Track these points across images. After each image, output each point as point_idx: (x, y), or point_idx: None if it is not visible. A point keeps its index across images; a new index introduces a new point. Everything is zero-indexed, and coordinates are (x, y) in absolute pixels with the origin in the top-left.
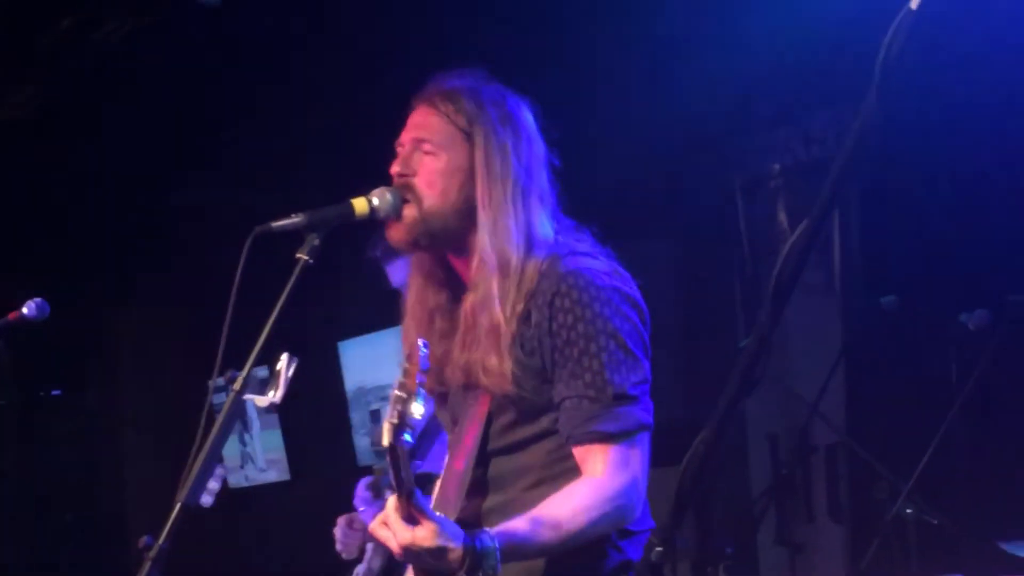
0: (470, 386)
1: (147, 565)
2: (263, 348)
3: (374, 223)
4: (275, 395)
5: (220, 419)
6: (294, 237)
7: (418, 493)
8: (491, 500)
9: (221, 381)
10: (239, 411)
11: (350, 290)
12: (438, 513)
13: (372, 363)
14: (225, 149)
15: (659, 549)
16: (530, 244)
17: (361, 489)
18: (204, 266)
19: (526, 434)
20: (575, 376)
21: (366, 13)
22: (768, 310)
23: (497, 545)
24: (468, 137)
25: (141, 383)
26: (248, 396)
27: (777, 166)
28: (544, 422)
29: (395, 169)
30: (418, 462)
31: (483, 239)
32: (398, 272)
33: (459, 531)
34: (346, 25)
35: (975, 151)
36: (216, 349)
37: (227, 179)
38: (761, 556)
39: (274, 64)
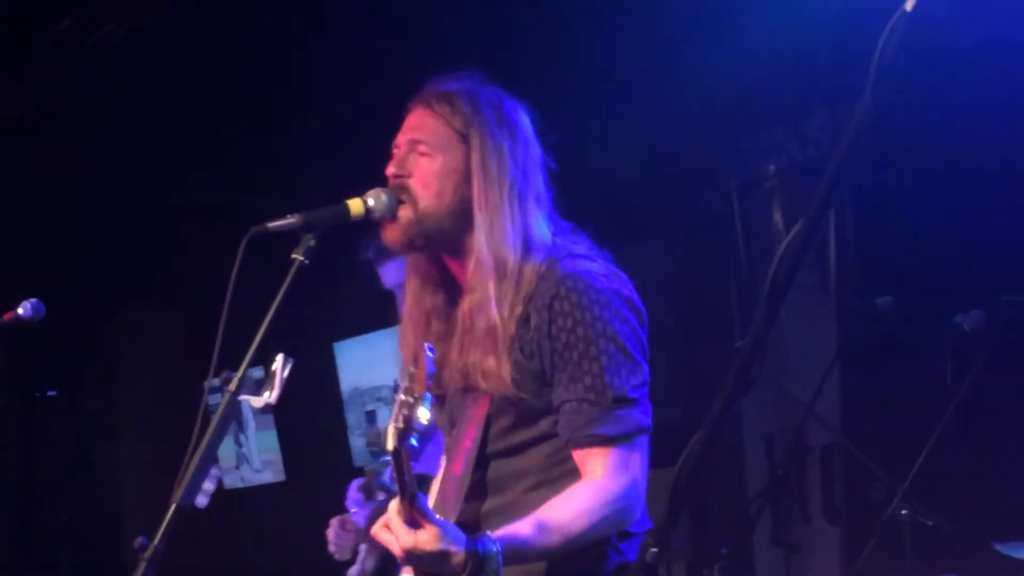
0: (468, 388)
1: (142, 566)
2: (259, 349)
3: (370, 224)
4: (271, 396)
5: (215, 420)
6: (290, 238)
7: (421, 497)
8: (490, 503)
9: (217, 382)
10: (235, 412)
11: (346, 291)
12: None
13: (368, 364)
14: (223, 150)
15: (654, 550)
16: (527, 246)
17: (353, 490)
18: (201, 267)
19: (525, 437)
20: (575, 379)
21: (366, 13)
22: (763, 311)
23: (499, 549)
24: (464, 139)
25: (138, 384)
26: (244, 397)
27: (773, 167)
28: (543, 425)
29: (391, 170)
30: (412, 463)
31: (480, 240)
32: (390, 274)
33: (461, 535)
34: (346, 25)
35: (971, 152)
36: (213, 350)
37: (225, 180)
38: (756, 556)
39: (274, 64)
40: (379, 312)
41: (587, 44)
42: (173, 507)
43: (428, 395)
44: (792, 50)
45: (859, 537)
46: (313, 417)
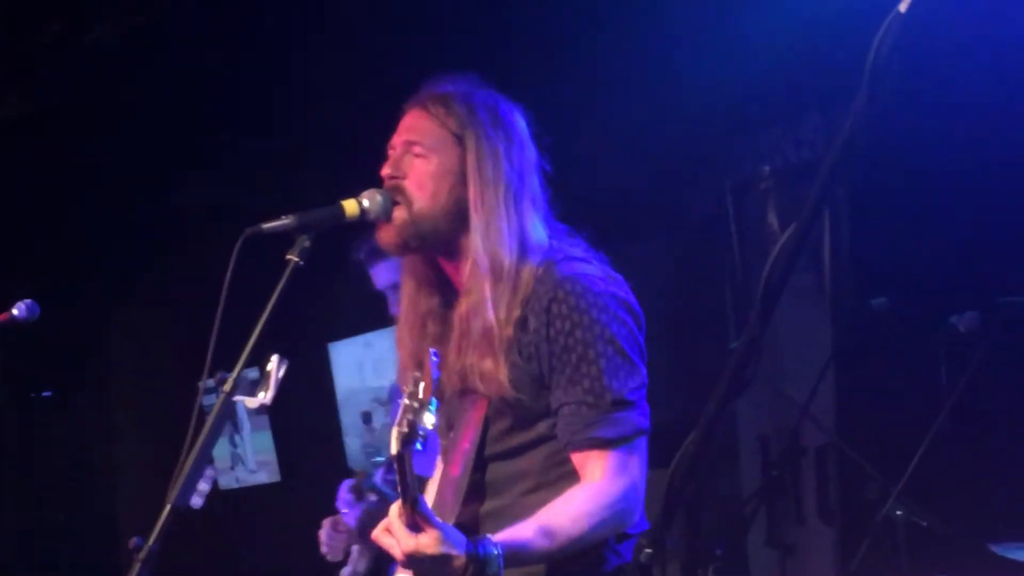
0: (466, 391)
1: (137, 566)
2: (253, 349)
3: (365, 225)
4: (265, 396)
5: (210, 420)
6: (284, 239)
7: (422, 500)
8: (488, 505)
9: (211, 383)
10: (229, 412)
11: (341, 292)
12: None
13: (363, 365)
14: (218, 151)
15: (648, 550)
16: (524, 248)
17: (343, 491)
18: (197, 268)
19: (523, 439)
20: (573, 382)
21: (366, 14)
22: (758, 312)
23: (500, 551)
24: (459, 140)
25: (133, 385)
26: (238, 397)
27: (767, 168)
28: (541, 427)
29: (385, 171)
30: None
31: (476, 242)
32: (382, 275)
33: (462, 538)
34: (345, 25)
35: (965, 153)
36: (208, 350)
37: (223, 181)
38: (751, 557)
39: (271, 65)
40: (374, 313)
41: (582, 46)
42: (168, 507)
43: (435, 401)
44: (787, 52)
45: (854, 538)
46: (308, 418)
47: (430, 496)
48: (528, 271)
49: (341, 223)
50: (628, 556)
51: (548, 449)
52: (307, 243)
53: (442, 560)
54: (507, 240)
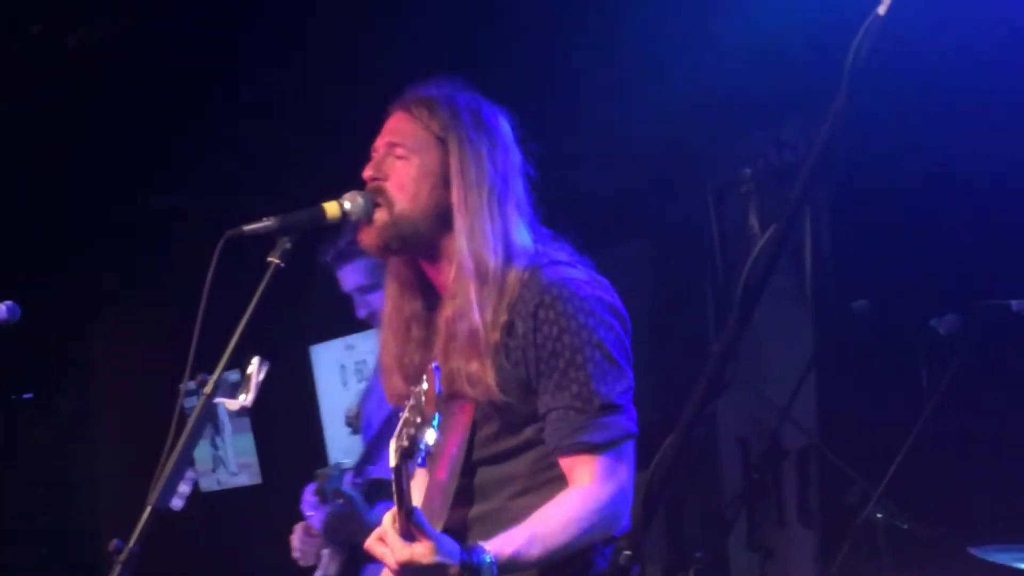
0: (453, 395)
1: (117, 568)
2: (234, 351)
3: (346, 227)
4: (246, 398)
5: (191, 422)
6: (266, 241)
7: (418, 511)
8: (477, 509)
9: (192, 385)
10: (210, 414)
11: (322, 294)
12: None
13: (344, 367)
14: (200, 153)
15: (627, 553)
16: (508, 252)
17: (308, 495)
18: (178, 270)
19: (512, 444)
20: (561, 387)
21: (349, 17)
22: (737, 314)
23: (493, 559)
24: (442, 143)
25: (114, 387)
26: (219, 399)
27: (748, 171)
28: (529, 432)
29: (367, 173)
30: (370, 467)
31: (460, 244)
32: (349, 277)
33: (456, 547)
34: (330, 29)
35: (946, 156)
36: (189, 352)
37: (202, 183)
38: (732, 560)
39: (253, 69)
40: (355, 315)
41: (564, 51)
42: (148, 509)
43: (438, 416)
44: (768, 55)
45: (834, 541)
46: (290, 420)
47: (417, 500)
48: (514, 275)
49: (322, 225)
50: None
51: (536, 453)
52: (288, 245)
53: (436, 569)
54: (492, 242)
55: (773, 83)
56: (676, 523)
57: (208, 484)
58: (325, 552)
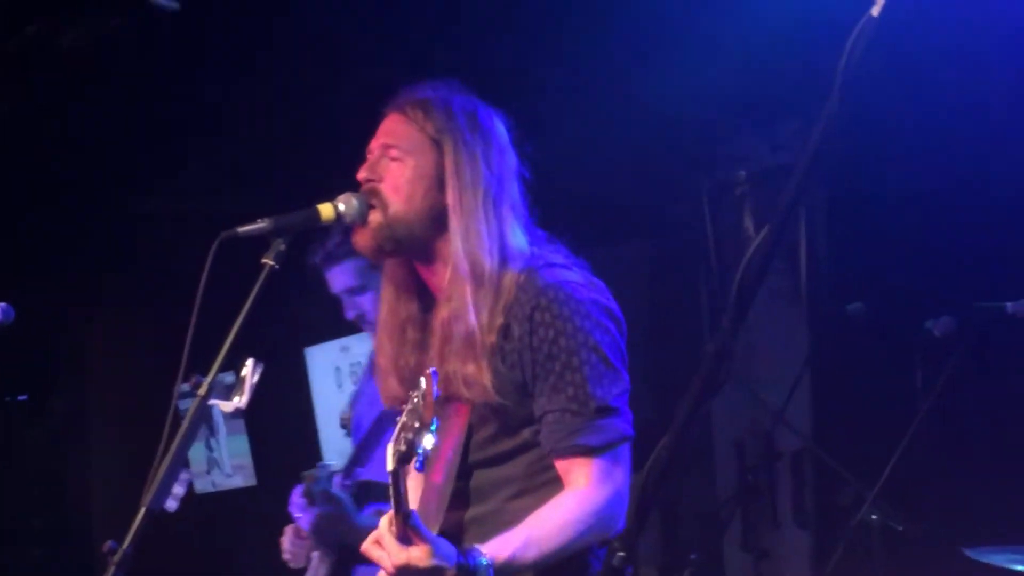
0: (449, 398)
1: (111, 569)
2: (229, 353)
3: (341, 228)
4: (240, 400)
5: (185, 424)
6: (260, 242)
7: (415, 515)
8: (472, 511)
9: (187, 387)
10: (205, 416)
11: (316, 295)
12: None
13: (339, 369)
14: (194, 154)
15: (621, 554)
16: (504, 254)
17: (296, 496)
18: (172, 271)
19: (508, 446)
20: (557, 390)
21: (339, 18)
22: (731, 315)
23: (489, 562)
24: (437, 144)
25: (108, 388)
26: (214, 401)
27: (743, 173)
28: (525, 434)
29: (362, 175)
30: (359, 469)
31: (456, 245)
32: (338, 279)
33: (452, 550)
34: (318, 31)
35: (941, 158)
36: (183, 354)
37: (196, 184)
38: (727, 561)
39: (246, 70)
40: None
41: (559, 53)
42: (143, 511)
43: (436, 421)
44: (763, 56)
45: (829, 542)
46: (285, 422)
47: (413, 503)
48: (510, 278)
49: (317, 227)
50: None
51: (532, 456)
52: (283, 247)
53: (433, 573)
54: (487, 244)
55: (768, 85)
56: (671, 524)
57: (203, 486)
58: (315, 554)
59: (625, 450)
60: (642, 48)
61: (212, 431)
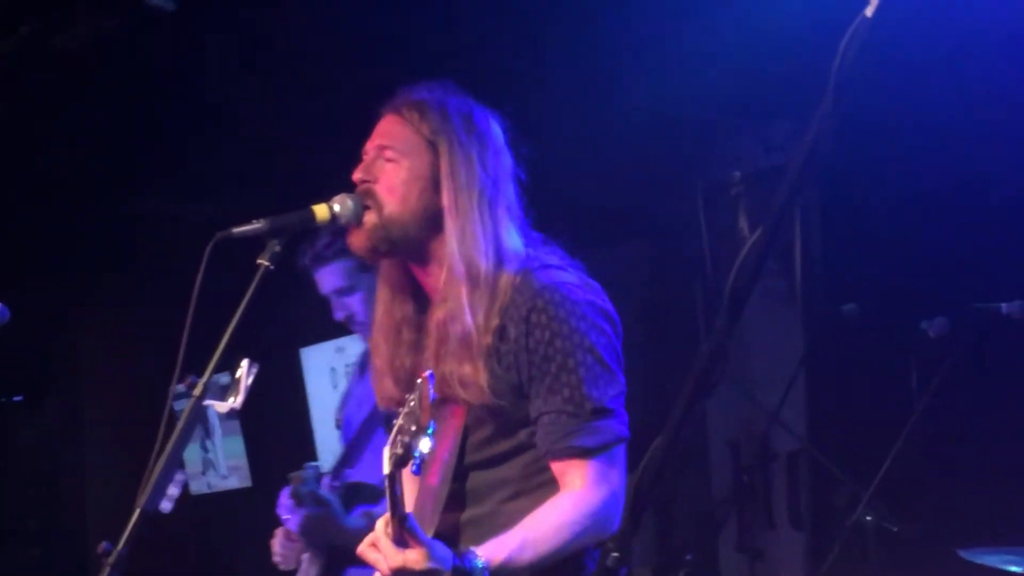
0: (445, 399)
1: (106, 570)
2: (224, 354)
3: (335, 229)
4: (235, 401)
5: (180, 425)
6: (255, 243)
7: (411, 517)
8: (468, 513)
9: (182, 387)
10: (200, 417)
11: (312, 296)
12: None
13: (334, 369)
14: (190, 155)
15: (615, 554)
16: (500, 255)
17: (283, 498)
18: (167, 272)
19: (504, 448)
20: (553, 391)
21: (332, 24)
22: (724, 316)
23: (485, 565)
24: (432, 146)
25: (104, 389)
26: (209, 402)
27: (738, 174)
28: (521, 436)
29: (357, 175)
30: (347, 471)
31: (451, 247)
32: (326, 279)
33: (448, 553)
34: (312, 34)
35: (936, 159)
36: (178, 355)
37: (192, 185)
38: (722, 562)
39: (241, 70)
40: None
41: (553, 53)
42: (137, 512)
43: (432, 424)
44: (757, 57)
45: (824, 543)
46: (280, 423)
47: (409, 504)
48: (505, 279)
49: (312, 227)
50: None
51: (528, 457)
52: (278, 247)
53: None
54: (483, 246)
55: (762, 86)
56: (666, 525)
57: (198, 487)
58: (305, 556)
59: (621, 451)
60: (637, 50)
61: (208, 432)
